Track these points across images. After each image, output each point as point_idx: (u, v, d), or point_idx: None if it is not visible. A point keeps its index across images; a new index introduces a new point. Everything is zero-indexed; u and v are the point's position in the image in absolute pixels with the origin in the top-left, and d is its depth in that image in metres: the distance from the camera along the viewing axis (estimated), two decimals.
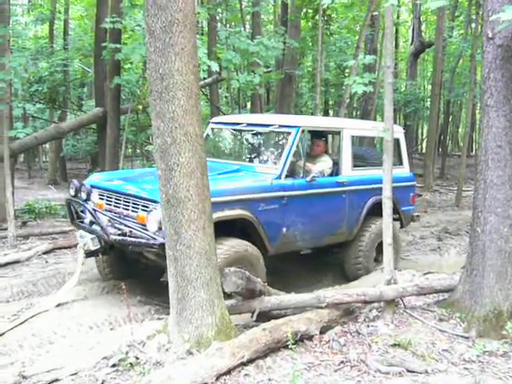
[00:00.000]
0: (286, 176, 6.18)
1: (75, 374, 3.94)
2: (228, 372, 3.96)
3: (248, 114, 8.91)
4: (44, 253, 8.04)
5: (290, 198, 6.14)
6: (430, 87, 22.36)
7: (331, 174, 6.97)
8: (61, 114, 17.25)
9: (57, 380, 3.86)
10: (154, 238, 5.23)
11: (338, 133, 7.01)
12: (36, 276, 7.00)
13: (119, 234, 5.54)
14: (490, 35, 4.75)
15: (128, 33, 12.01)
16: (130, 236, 5.48)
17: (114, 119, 10.44)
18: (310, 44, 14.94)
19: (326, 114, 22.89)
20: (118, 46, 9.62)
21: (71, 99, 17.90)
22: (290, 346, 3.93)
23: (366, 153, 8.50)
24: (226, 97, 19.39)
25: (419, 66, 26.81)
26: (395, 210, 6.88)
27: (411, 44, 23.46)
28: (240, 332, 4.46)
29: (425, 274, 6.48)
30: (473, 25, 16.95)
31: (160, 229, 5.19)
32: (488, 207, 4.89)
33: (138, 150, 19.07)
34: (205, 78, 12.49)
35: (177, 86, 3.96)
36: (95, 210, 5.89)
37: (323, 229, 6.67)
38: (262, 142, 6.97)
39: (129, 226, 5.54)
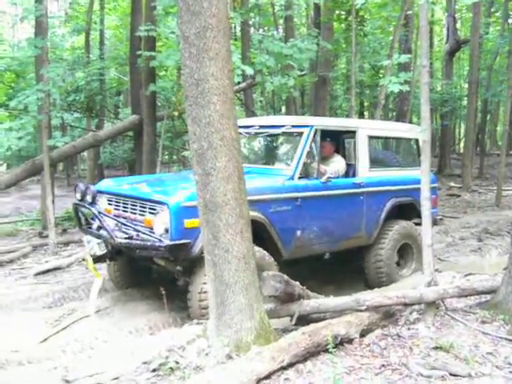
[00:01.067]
0: (300, 177, 6.06)
1: (116, 378, 3.98)
2: (268, 376, 3.94)
3: (261, 117, 8.82)
4: (84, 259, 8.15)
5: (303, 199, 6.00)
6: (466, 86, 22.04)
7: (347, 175, 6.85)
8: (98, 122, 17.55)
9: None
10: (161, 241, 5.17)
11: (354, 132, 6.84)
12: (77, 282, 7.12)
13: (126, 238, 5.48)
14: None
15: (162, 40, 12.14)
16: (136, 239, 5.41)
17: (150, 126, 10.55)
18: (344, 45, 14.86)
19: (361, 115, 22.73)
20: (153, 53, 9.73)
21: (108, 107, 18.18)
22: (330, 350, 3.89)
23: (387, 154, 8.30)
24: (260, 101, 19.41)
25: (455, 65, 26.45)
26: (417, 213, 6.64)
27: (446, 42, 23.15)
28: (279, 336, 4.44)
29: (466, 275, 6.36)
30: (510, 20, 16.62)
31: (167, 231, 5.18)
32: None
33: (175, 156, 19.23)
34: (239, 83, 12.54)
35: (212, 90, 3.97)
36: (102, 214, 5.80)
37: (340, 232, 6.50)
38: (274, 143, 6.90)
39: (136, 230, 5.47)
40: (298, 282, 4.78)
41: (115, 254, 5.84)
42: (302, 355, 4.21)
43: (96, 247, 5.76)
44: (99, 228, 5.86)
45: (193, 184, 4.81)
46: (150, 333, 5.37)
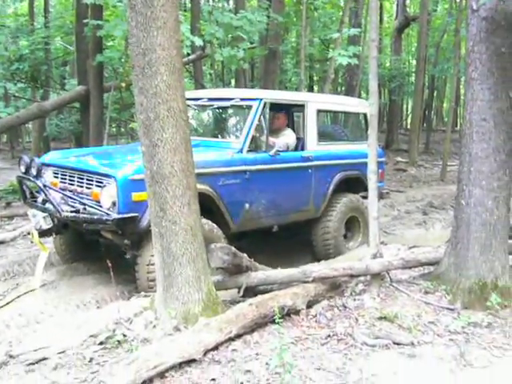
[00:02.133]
0: (249, 150, 6.03)
1: (63, 352, 3.92)
2: (216, 347, 3.97)
3: (209, 89, 8.73)
4: (29, 233, 7.96)
5: (252, 172, 5.98)
6: (414, 62, 22.35)
7: (296, 149, 6.87)
8: (43, 93, 17.03)
9: (44, 359, 3.84)
10: (108, 214, 5.09)
11: (303, 106, 6.84)
12: (21, 256, 6.96)
13: (72, 211, 5.34)
14: (474, 7, 4.73)
15: (110, 9, 11.82)
16: (83, 213, 5.30)
17: (97, 97, 10.33)
18: (294, 19, 14.81)
19: (310, 89, 22.79)
20: (100, 22, 9.48)
21: (53, 78, 17.67)
22: (276, 321, 3.94)
23: (335, 128, 8.39)
24: (210, 74, 19.22)
25: (404, 41, 26.75)
26: (364, 187, 6.54)
27: (395, 19, 23.39)
28: (227, 308, 4.46)
29: (410, 247, 6.52)
30: None
31: (114, 205, 5.11)
32: (473, 180, 4.91)
33: (123, 129, 18.91)
34: (188, 55, 12.36)
35: (159, 60, 3.90)
36: (47, 187, 5.66)
37: (288, 205, 6.53)
38: (223, 116, 6.83)
39: (83, 203, 5.36)
40: (245, 254, 4.79)
41: (61, 227, 5.73)
42: (250, 326, 4.25)
43: (42, 221, 5.64)
44: (45, 201, 5.73)
45: (140, 157, 4.73)
46: (97, 306, 5.32)
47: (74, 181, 5.71)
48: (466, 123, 4.99)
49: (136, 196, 5.05)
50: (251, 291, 4.80)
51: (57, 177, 5.95)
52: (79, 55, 11.85)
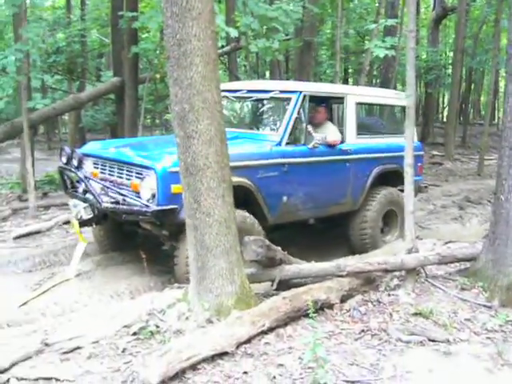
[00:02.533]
0: (288, 143, 6.01)
1: (96, 342, 3.95)
2: (248, 340, 3.96)
3: (248, 81, 8.73)
4: (64, 223, 8.08)
5: (290, 165, 5.96)
6: (451, 54, 21.96)
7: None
8: (79, 84, 17.23)
9: (78, 347, 3.88)
10: (147, 206, 5.12)
11: (342, 99, 6.80)
12: (57, 246, 7.05)
13: (112, 202, 5.41)
14: None
15: (145, 1, 11.88)
16: (123, 204, 5.34)
17: (132, 89, 10.39)
18: (330, 10, 14.66)
19: (345, 82, 22.59)
20: (135, 14, 9.52)
21: (89, 70, 17.86)
22: (310, 315, 3.90)
23: (373, 121, 8.26)
24: (244, 65, 19.19)
25: (441, 33, 26.27)
26: (402, 180, 6.44)
27: (433, 10, 22.96)
28: (260, 301, 4.45)
29: (446, 242, 6.41)
30: None
31: (153, 196, 5.13)
32: None
33: (157, 120, 19.04)
34: (223, 46, 12.35)
35: (194, 51, 3.87)
36: (88, 178, 5.73)
37: (326, 198, 6.50)
38: (262, 108, 6.80)
39: (122, 194, 5.40)
40: (279, 247, 4.76)
41: (101, 218, 5.77)
42: (283, 320, 4.23)
43: (82, 211, 5.70)
44: (85, 192, 5.80)
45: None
46: (130, 297, 5.35)
47: (113, 172, 5.75)
48: (506, 116, 4.87)
49: (175, 188, 5.04)
50: (285, 284, 4.77)
51: (97, 167, 6.01)
52: (114, 47, 11.94)
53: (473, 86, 27.74)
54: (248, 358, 3.81)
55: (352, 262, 4.93)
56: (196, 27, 3.86)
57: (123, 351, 3.87)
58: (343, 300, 4.71)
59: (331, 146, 6.48)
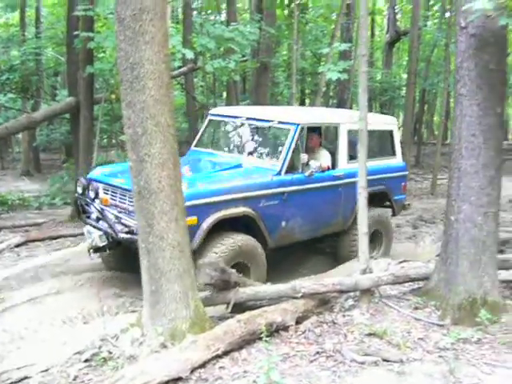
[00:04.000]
0: (286, 171, 6.29)
1: (46, 370, 3.86)
2: (203, 365, 3.93)
3: (248, 107, 8.94)
4: (16, 246, 7.90)
5: (289, 193, 6.29)
6: (405, 76, 22.44)
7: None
8: (34, 103, 16.95)
9: (27, 377, 3.79)
10: None
11: (336, 128, 7.08)
12: (8, 270, 6.87)
13: (127, 232, 5.56)
14: (463, 24, 4.73)
15: (102, 21, 11.81)
16: (136, 234, 5.40)
17: (87, 109, 10.25)
18: (286, 32, 14.84)
19: (302, 103, 22.82)
20: (91, 34, 9.45)
21: (44, 88, 17.60)
22: (264, 339, 3.90)
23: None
24: (201, 86, 19.21)
25: (395, 55, 26.85)
26: (388, 199, 7.66)
27: (387, 33, 23.49)
28: (215, 324, 4.42)
29: (400, 262, 6.49)
30: (447, 14, 16.99)
31: None
32: (462, 196, 4.90)
33: (114, 140, 18.85)
34: (180, 67, 12.34)
35: (147, 75, 3.88)
36: (103, 209, 5.88)
37: (320, 220, 6.81)
38: (262, 136, 7.05)
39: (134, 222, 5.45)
40: (234, 270, 4.76)
41: (116, 245, 5.97)
42: (238, 343, 4.21)
43: (97, 239, 5.88)
44: (98, 219, 5.98)
45: (193, 177, 5.58)
46: (83, 322, 5.24)
47: (124, 199, 5.86)
48: (455, 139, 4.99)
49: (187, 221, 5.16)
50: (240, 307, 4.76)
51: (107, 193, 6.11)
52: (70, 66, 11.78)
53: (426, 107, 28.37)
54: (202, 382, 3.79)
55: (307, 284, 4.94)
56: (149, 51, 3.87)
57: (75, 379, 3.81)
58: (298, 322, 4.72)
59: (323, 170, 6.79)
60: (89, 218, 6.23)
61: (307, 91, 22.92)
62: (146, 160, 3.97)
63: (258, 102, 12.48)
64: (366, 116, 5.13)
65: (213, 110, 7.91)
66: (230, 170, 6.29)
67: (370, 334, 4.56)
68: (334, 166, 7.02)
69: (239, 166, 6.42)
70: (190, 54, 8.71)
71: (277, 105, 16.92)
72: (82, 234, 8.07)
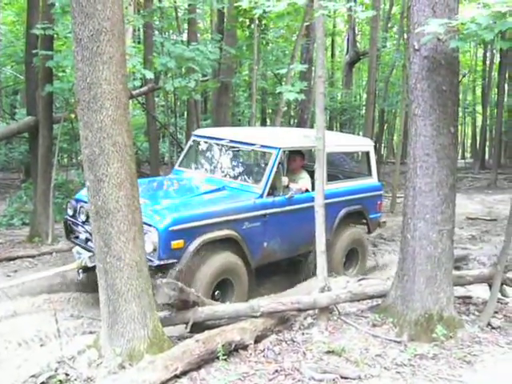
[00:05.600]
0: (267, 194, 6.46)
1: None
2: None
3: (231, 129, 9.02)
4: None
5: (270, 215, 6.46)
6: (365, 96, 22.84)
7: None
8: None
9: None
10: (151, 260, 5.30)
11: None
12: None
13: None
14: (416, 47, 4.87)
15: (62, 40, 11.74)
16: None
17: (47, 128, 10.12)
18: (247, 53, 14.99)
19: (263, 122, 23.03)
20: (50, 52, 9.38)
21: (3, 107, 17.37)
22: (221, 358, 3.90)
23: (339, 165, 8.89)
24: (162, 106, 19.20)
25: (355, 75, 27.36)
26: (363, 217, 7.92)
27: (346, 53, 23.93)
28: (173, 344, 4.40)
29: (359, 279, 6.58)
30: (405, 35, 17.41)
31: (155, 250, 5.45)
32: (417, 214, 5.01)
33: (74, 160, 18.65)
34: (140, 87, 12.33)
35: (105, 95, 3.89)
36: None
37: (299, 240, 6.91)
38: (244, 158, 7.32)
39: None
40: (192, 289, 4.76)
41: None
42: (196, 363, 4.20)
43: (87, 260, 5.91)
44: (87, 240, 6.08)
45: (180, 202, 5.83)
46: (40, 344, 5.15)
47: None
48: (410, 158, 5.11)
49: (175, 244, 5.56)
50: (199, 327, 4.74)
51: None
52: (29, 85, 11.65)
53: (386, 127, 28.87)
54: None
55: (266, 303, 4.97)
56: (107, 71, 3.88)
57: None
58: (257, 340, 4.73)
59: (303, 192, 6.99)
60: (77, 238, 6.41)
61: (269, 111, 23.15)
62: (104, 180, 3.96)
63: (219, 122, 12.55)
64: (323, 135, 5.23)
65: (196, 131, 8.10)
66: (214, 192, 6.46)
67: (328, 352, 4.59)
68: (313, 187, 7.03)
69: (222, 188, 6.57)
70: (149, 74, 8.75)
71: (237, 125, 17.05)
72: (40, 255, 8.03)
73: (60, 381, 3.96)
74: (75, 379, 3.99)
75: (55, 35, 9.67)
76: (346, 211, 7.51)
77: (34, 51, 9.75)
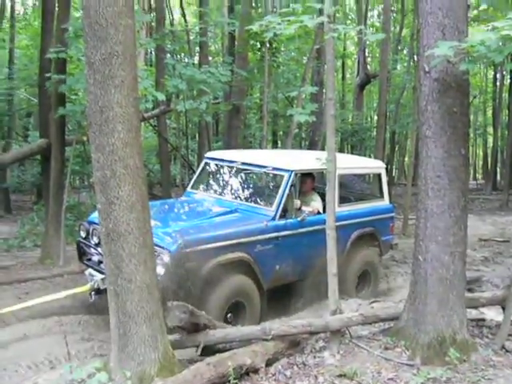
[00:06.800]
0: (280, 217, 6.47)
1: None
2: None
3: (243, 151, 9.07)
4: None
5: (283, 237, 6.47)
6: (376, 118, 22.89)
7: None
8: (5, 144, 16.86)
9: None
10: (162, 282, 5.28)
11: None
12: None
13: None
14: (426, 69, 4.88)
15: (74, 63, 11.88)
16: None
17: (59, 150, 10.22)
18: (258, 75, 15.10)
19: (274, 144, 23.10)
20: (62, 76, 9.50)
21: (16, 129, 17.54)
22: (232, 381, 3.86)
23: (351, 187, 8.88)
24: (174, 128, 19.33)
25: (366, 97, 27.42)
26: (375, 239, 7.85)
27: (357, 76, 24.02)
28: (184, 367, 4.36)
29: (371, 302, 6.53)
30: (415, 57, 17.47)
31: (167, 272, 5.47)
32: (429, 236, 4.97)
33: (85, 182, 18.78)
34: (152, 109, 12.43)
35: (116, 118, 3.92)
36: None
37: (311, 262, 6.84)
38: (256, 181, 7.39)
39: None
40: (203, 312, 4.73)
41: None
42: None
43: (100, 282, 5.94)
44: (100, 262, 6.10)
45: (192, 224, 5.83)
46: (50, 367, 5.14)
47: None
48: (421, 180, 5.09)
49: (183, 267, 5.57)
50: (210, 350, 4.71)
51: None
52: (41, 108, 11.77)
53: (397, 148, 28.87)
54: None
55: (277, 326, 4.93)
56: (118, 94, 3.92)
57: None
58: (269, 364, 4.69)
59: (315, 214, 6.99)
60: (90, 260, 6.44)
61: (280, 133, 23.23)
62: (115, 202, 3.97)
63: (231, 144, 12.59)
64: (334, 157, 5.22)
65: (208, 154, 8.15)
66: (226, 215, 6.47)
67: (340, 376, 4.53)
68: (324, 209, 7.07)
69: (235, 210, 6.59)
70: (161, 97, 8.83)
71: (248, 147, 17.10)
72: (52, 277, 8.04)
73: None
74: None
75: (68, 58, 9.79)
76: (358, 233, 7.50)
77: (47, 75, 9.88)
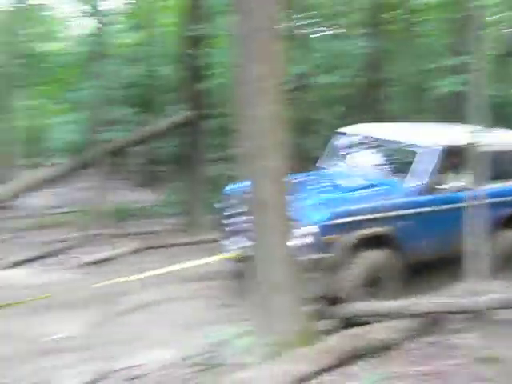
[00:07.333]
0: (425, 192, 6.34)
1: (160, 370, 4.03)
2: (308, 378, 3.93)
3: (380, 126, 8.72)
4: (134, 251, 8.28)
5: (428, 213, 6.31)
6: None
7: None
8: (150, 118, 17.67)
9: (143, 375, 3.97)
10: (305, 254, 5.28)
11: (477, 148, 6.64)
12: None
13: None
14: None
15: (216, 39, 12.17)
16: None
17: (200, 123, 10.61)
18: (399, 47, 14.57)
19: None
20: (205, 50, 9.78)
21: (161, 104, 18.30)
22: (368, 355, 3.85)
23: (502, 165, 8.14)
24: (314, 101, 19.18)
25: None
26: None
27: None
28: (322, 338, 4.42)
29: None
30: None
31: (309, 244, 5.40)
32: None
33: (224, 154, 19.27)
34: (292, 83, 12.46)
35: (264, 90, 3.99)
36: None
37: (456, 240, 6.44)
38: (400, 156, 7.03)
39: None
40: (344, 285, 4.74)
41: None
42: (344, 358, 4.18)
43: (242, 250, 6.00)
44: (240, 231, 6.20)
45: (335, 197, 5.88)
46: (199, 329, 5.33)
47: None
48: None
49: (329, 239, 5.50)
50: (348, 322, 4.74)
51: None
52: (184, 82, 12.22)
53: None
54: None
55: (419, 302, 4.82)
56: (265, 67, 3.97)
57: (185, 381, 3.93)
58: (407, 341, 4.60)
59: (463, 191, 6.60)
60: (230, 229, 6.53)
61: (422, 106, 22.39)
62: (263, 174, 4.07)
63: (366, 118, 12.33)
64: (485, 132, 4.94)
65: (344, 129, 7.93)
66: (369, 188, 6.38)
67: (482, 358, 4.36)
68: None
69: (377, 184, 6.47)
70: (300, 70, 8.80)
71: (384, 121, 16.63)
72: (196, 243, 8.41)
73: (214, 364, 4.13)
74: (228, 364, 4.13)
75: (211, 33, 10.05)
76: (508, 213, 7.03)
77: (187, 51, 10.21)
